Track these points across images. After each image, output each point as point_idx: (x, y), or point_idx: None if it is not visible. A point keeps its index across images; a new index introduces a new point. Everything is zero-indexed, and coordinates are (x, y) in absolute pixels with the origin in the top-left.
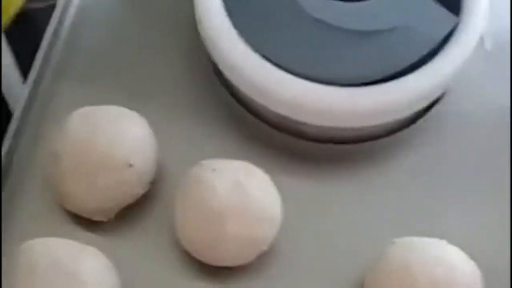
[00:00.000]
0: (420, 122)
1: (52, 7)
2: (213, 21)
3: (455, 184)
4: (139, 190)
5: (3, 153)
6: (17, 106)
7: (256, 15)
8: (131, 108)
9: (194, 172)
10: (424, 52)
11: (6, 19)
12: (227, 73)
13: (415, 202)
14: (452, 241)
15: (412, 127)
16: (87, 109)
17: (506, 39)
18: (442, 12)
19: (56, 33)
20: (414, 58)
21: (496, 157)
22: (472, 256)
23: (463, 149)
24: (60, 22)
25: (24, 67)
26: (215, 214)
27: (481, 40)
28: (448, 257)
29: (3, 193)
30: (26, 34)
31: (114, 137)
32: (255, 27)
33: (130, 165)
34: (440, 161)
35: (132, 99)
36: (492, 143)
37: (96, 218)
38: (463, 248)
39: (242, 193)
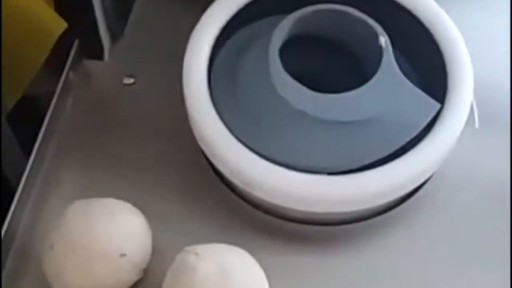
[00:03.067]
0: (408, 202)
1: (52, 94)
2: (203, 117)
3: (447, 261)
4: (133, 278)
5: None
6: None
7: (243, 110)
8: (128, 196)
9: (179, 257)
10: (409, 138)
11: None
12: (217, 165)
13: (403, 283)
14: None
15: (402, 206)
16: (82, 202)
17: (493, 114)
18: (425, 99)
19: (54, 121)
20: (400, 145)
21: (489, 233)
22: None
23: (455, 226)
24: (59, 110)
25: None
26: None
27: (470, 117)
28: None
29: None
30: (26, 121)
31: (108, 228)
32: (241, 120)
33: (123, 255)
34: (430, 239)
35: (129, 188)
36: (485, 218)
37: None
38: None
39: (224, 275)
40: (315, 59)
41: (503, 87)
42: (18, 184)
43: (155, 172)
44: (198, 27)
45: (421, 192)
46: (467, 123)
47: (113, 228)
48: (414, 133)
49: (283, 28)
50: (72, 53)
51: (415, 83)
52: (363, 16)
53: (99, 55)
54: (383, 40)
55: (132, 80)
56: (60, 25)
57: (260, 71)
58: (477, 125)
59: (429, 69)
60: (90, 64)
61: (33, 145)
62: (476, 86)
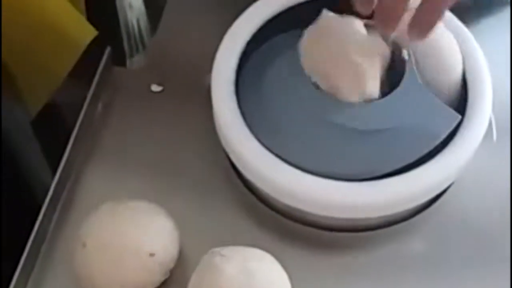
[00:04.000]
0: (426, 212)
1: (79, 101)
2: (230, 125)
3: (459, 274)
4: (160, 277)
5: (30, 241)
6: (46, 196)
7: (269, 118)
8: (155, 199)
9: (205, 259)
10: (429, 148)
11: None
12: (242, 170)
13: None
14: None
15: (418, 216)
16: (113, 203)
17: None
18: (447, 111)
19: (84, 126)
20: (420, 154)
21: (507, 245)
22: None
23: (471, 236)
24: (90, 115)
25: (52, 160)
26: None
27: (488, 130)
28: None
29: (30, 280)
30: (54, 127)
31: (138, 228)
32: (268, 128)
33: (152, 255)
34: (447, 249)
35: (156, 191)
36: (501, 229)
37: None
38: None
39: (250, 277)
40: None
41: None
42: (47, 189)
43: (182, 176)
44: (226, 37)
45: (439, 202)
46: (485, 136)
47: (142, 228)
48: (434, 144)
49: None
50: (103, 60)
51: (436, 95)
52: None
53: (123, 62)
54: (406, 53)
55: (160, 88)
56: (89, 33)
57: (286, 80)
58: (495, 138)
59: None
60: (120, 71)
61: (60, 149)
62: (494, 100)
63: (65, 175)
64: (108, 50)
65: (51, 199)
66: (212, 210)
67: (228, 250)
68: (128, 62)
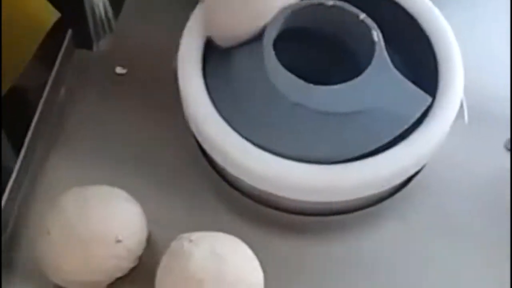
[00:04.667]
0: (400, 193)
1: (43, 85)
2: (197, 106)
3: (438, 249)
4: (129, 264)
5: None
6: (7, 184)
7: (238, 100)
8: (121, 185)
9: (174, 244)
10: (400, 130)
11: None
12: (210, 152)
13: (396, 273)
14: None
15: (394, 197)
16: (78, 189)
17: (482, 110)
18: (417, 93)
19: (47, 110)
20: (391, 136)
21: (476, 225)
22: None
23: (439, 221)
24: (52, 99)
25: (14, 146)
26: (192, 280)
27: (460, 112)
28: None
29: None
30: (17, 111)
31: (104, 214)
32: (236, 111)
33: (119, 241)
34: (421, 229)
35: (123, 176)
36: (473, 208)
37: None
38: None
39: (218, 260)
40: (310, 53)
41: (492, 84)
42: (9, 174)
43: (149, 161)
44: (192, 17)
45: (412, 183)
46: (456, 118)
47: (108, 214)
48: (406, 125)
49: (277, 21)
50: (65, 43)
51: (407, 77)
52: (357, 11)
53: (89, 45)
54: (376, 34)
55: (124, 70)
56: (52, 15)
57: (255, 63)
58: (466, 121)
59: (420, 63)
60: (83, 54)
61: (24, 134)
62: (465, 83)
63: (28, 161)
64: (69, 33)
65: (12, 187)
66: (181, 195)
67: (197, 236)
68: (94, 45)
